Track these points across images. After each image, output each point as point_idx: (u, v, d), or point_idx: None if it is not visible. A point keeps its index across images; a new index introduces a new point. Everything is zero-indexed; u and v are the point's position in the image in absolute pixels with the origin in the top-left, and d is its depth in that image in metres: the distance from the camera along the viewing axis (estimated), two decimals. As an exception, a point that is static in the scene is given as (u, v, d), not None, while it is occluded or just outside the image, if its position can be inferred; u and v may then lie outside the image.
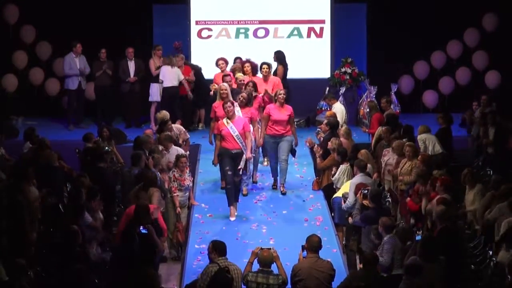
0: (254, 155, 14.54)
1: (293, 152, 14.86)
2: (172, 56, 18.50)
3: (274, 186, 14.85)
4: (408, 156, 13.53)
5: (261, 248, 9.95)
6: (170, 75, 18.30)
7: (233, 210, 13.58)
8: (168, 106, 17.59)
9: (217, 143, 13.77)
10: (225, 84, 14.94)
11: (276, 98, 14.71)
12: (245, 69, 16.12)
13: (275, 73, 16.89)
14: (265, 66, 16.05)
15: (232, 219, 13.54)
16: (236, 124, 13.65)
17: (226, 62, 16.90)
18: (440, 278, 9.63)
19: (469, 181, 12.63)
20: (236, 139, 13.61)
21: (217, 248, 9.85)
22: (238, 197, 13.87)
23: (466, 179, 12.66)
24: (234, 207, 13.60)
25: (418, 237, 11.18)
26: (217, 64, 16.92)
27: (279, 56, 17.56)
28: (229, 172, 13.57)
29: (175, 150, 14.05)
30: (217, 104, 14.59)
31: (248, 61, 16.41)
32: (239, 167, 13.68)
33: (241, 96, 14.37)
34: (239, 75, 15.73)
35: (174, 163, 13.26)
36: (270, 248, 9.99)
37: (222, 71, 16.46)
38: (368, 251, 10.70)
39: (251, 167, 14.65)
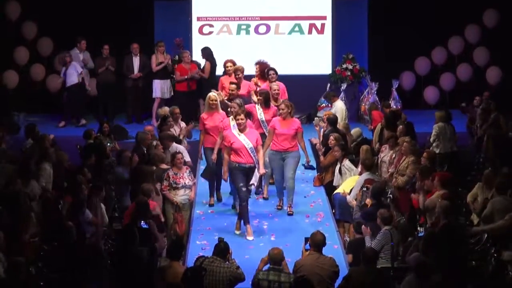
0: (267, 170, 13.51)
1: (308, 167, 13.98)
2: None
3: (279, 207, 13.70)
4: (404, 152, 13.49)
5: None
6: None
7: (240, 224, 12.73)
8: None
9: (226, 157, 12.67)
10: (214, 94, 14.10)
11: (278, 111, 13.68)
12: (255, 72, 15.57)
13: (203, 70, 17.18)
14: (271, 72, 15.18)
15: (250, 238, 12.55)
16: (249, 137, 12.69)
17: (235, 65, 15.82)
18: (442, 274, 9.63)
19: (489, 183, 12.12)
20: (250, 152, 12.60)
21: (215, 247, 9.92)
22: (248, 218, 12.78)
23: (490, 181, 12.16)
24: (247, 225, 12.65)
25: (420, 234, 11.15)
26: (224, 67, 15.93)
27: (206, 53, 17.46)
28: (243, 189, 12.56)
29: (175, 147, 13.96)
30: (206, 115, 13.83)
31: (258, 62, 15.73)
32: (251, 183, 12.92)
33: (232, 106, 13.52)
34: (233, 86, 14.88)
35: (170, 161, 13.12)
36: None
37: (230, 75, 15.60)
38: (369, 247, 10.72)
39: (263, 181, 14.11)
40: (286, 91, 15.17)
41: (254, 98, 14.75)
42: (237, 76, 15.27)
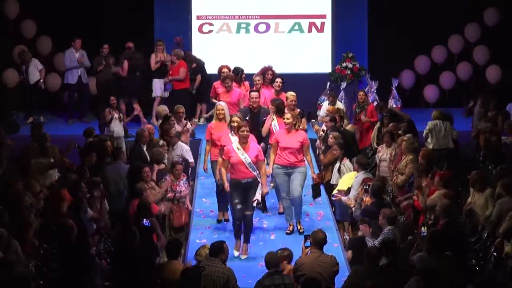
0: (270, 186, 13.13)
1: (315, 192, 13.07)
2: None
3: (289, 231, 12.77)
4: (403, 151, 13.47)
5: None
6: None
7: (240, 244, 12.04)
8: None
9: (224, 171, 12.13)
10: (222, 103, 13.70)
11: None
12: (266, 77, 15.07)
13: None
14: (278, 79, 14.81)
15: (236, 253, 11.97)
16: (249, 152, 12.02)
17: (230, 71, 15.47)
18: (444, 274, 9.60)
19: (478, 185, 12.01)
20: (249, 167, 11.96)
21: (210, 248, 9.83)
22: (249, 237, 12.19)
23: (476, 184, 12.03)
24: (244, 243, 12.06)
25: (423, 233, 11.08)
26: (220, 72, 15.55)
27: (127, 53, 18.21)
28: (238, 206, 11.97)
29: (180, 146, 13.82)
30: (214, 125, 13.36)
31: (270, 68, 15.29)
32: (254, 199, 12.08)
33: (234, 121, 12.66)
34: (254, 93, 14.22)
35: (169, 169, 12.84)
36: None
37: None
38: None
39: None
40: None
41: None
42: (226, 85, 14.85)
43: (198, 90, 18.68)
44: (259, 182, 12.13)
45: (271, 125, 13.50)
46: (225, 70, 15.50)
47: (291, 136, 12.67)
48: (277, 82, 14.86)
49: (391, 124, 14.72)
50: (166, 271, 9.93)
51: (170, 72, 18.52)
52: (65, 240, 10.32)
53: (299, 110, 13.94)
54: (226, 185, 12.19)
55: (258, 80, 14.99)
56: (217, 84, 15.31)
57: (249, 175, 12.01)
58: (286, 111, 13.45)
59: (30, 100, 18.98)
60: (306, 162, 12.90)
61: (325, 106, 16.76)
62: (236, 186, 12.04)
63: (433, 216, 11.45)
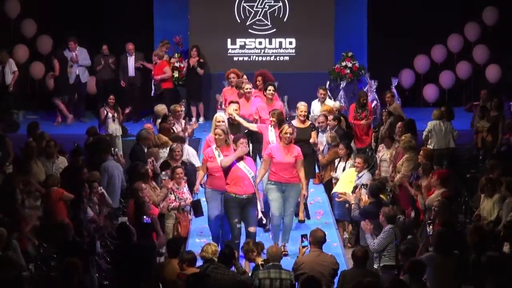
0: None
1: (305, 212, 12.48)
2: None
3: None
4: (402, 150, 13.48)
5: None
6: None
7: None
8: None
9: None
10: (222, 114, 12.93)
11: (280, 135, 11.93)
12: (257, 83, 14.27)
13: None
14: (270, 88, 13.67)
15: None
16: (249, 164, 11.37)
17: (239, 76, 14.45)
18: (453, 272, 9.61)
19: (487, 190, 11.85)
20: (252, 181, 11.24)
21: (220, 254, 9.73)
22: None
23: (484, 188, 11.89)
24: None
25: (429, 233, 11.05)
26: (227, 78, 14.70)
27: (59, 53, 17.96)
28: (238, 225, 11.27)
29: (186, 150, 13.52)
30: (213, 138, 12.01)
31: (261, 74, 14.45)
32: (259, 217, 11.64)
33: (217, 134, 11.72)
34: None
35: (170, 174, 12.53)
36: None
37: (233, 87, 14.34)
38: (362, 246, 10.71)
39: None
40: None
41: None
42: (245, 90, 13.79)
43: (194, 89, 18.73)
44: (255, 198, 11.52)
45: (268, 137, 12.70)
46: (233, 75, 14.58)
47: (286, 151, 11.79)
48: (269, 90, 13.69)
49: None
50: (166, 270, 9.95)
51: (153, 72, 18.49)
52: (62, 239, 10.35)
53: (310, 122, 13.50)
54: (197, 187, 11.92)
55: (249, 88, 13.99)
56: (227, 90, 14.54)
57: (250, 191, 11.31)
58: (299, 120, 13.15)
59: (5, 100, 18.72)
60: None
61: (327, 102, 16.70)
62: (234, 202, 11.33)
63: (432, 215, 11.47)
